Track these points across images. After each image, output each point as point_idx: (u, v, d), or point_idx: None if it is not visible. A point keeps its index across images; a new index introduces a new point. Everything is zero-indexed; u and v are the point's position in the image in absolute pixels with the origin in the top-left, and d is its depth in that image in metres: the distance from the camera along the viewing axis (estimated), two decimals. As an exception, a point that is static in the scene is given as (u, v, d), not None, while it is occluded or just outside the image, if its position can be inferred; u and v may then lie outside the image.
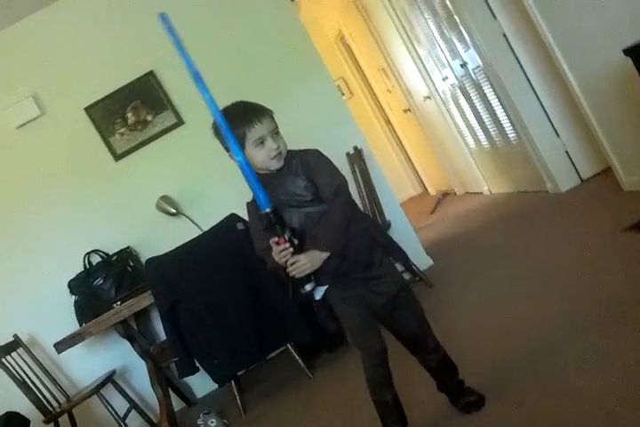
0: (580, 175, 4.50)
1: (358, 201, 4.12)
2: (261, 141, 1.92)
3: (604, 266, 2.79)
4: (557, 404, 1.92)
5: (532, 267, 3.28)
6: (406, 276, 4.00)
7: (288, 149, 2.00)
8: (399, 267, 2.34)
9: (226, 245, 3.35)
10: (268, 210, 1.84)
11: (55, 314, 4.08)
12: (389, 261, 2.14)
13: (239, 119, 1.92)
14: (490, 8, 4.42)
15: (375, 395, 2.11)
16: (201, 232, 3.73)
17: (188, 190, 4.25)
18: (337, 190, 1.96)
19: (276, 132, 1.96)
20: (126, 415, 3.77)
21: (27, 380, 3.63)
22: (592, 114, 3.71)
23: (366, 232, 2.07)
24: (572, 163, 4.50)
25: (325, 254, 1.90)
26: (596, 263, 2.86)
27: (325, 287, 2.01)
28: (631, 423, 1.66)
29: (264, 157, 1.93)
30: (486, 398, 2.15)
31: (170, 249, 3.43)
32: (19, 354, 3.81)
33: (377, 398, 2.11)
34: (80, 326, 3.87)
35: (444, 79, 5.67)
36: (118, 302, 3.66)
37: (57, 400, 3.81)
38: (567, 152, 4.50)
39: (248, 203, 2.04)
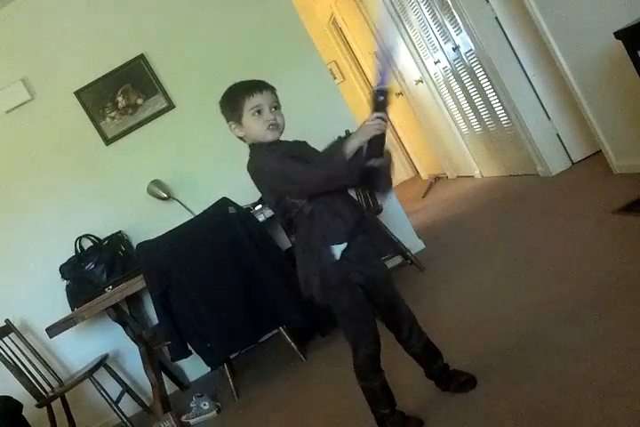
0: (570, 158, 4.51)
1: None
2: (258, 110, 1.97)
3: (594, 249, 2.80)
4: (546, 386, 1.94)
5: (523, 250, 3.29)
6: (398, 259, 4.03)
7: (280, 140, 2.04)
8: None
9: (217, 229, 3.34)
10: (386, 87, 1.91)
11: (47, 299, 4.08)
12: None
13: (241, 89, 2.02)
14: (482, -9, 4.40)
15: (364, 381, 2.10)
16: (192, 216, 3.73)
17: (180, 174, 4.23)
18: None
19: (275, 107, 2.01)
20: (119, 399, 3.78)
21: (19, 365, 3.64)
22: (583, 97, 3.72)
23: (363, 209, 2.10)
24: (563, 146, 4.51)
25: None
26: (586, 246, 2.87)
27: (344, 246, 1.96)
28: (619, 405, 1.68)
29: (260, 126, 1.98)
30: (476, 379, 2.17)
31: (161, 233, 3.42)
32: (11, 339, 3.81)
33: (365, 385, 2.11)
34: (72, 310, 3.87)
35: (435, 63, 5.65)
36: (110, 287, 3.66)
37: (49, 385, 3.82)
38: (558, 135, 4.51)
39: (253, 144, 2.04)
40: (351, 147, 1.85)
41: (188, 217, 3.71)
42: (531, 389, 1.97)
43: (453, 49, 5.03)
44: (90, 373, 3.62)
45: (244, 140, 2.07)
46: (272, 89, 2.04)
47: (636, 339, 1.92)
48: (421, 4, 5.24)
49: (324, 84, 4.28)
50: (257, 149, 2.02)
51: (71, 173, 4.23)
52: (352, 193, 2.14)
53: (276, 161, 1.94)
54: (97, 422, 4.14)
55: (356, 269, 2.00)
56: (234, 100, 2.01)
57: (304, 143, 2.10)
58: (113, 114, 4.24)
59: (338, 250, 1.96)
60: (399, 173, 8.52)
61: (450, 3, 4.63)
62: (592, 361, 1.94)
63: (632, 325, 2.02)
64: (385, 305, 2.13)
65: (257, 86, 2.00)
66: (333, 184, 1.91)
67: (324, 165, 1.92)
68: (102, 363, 3.82)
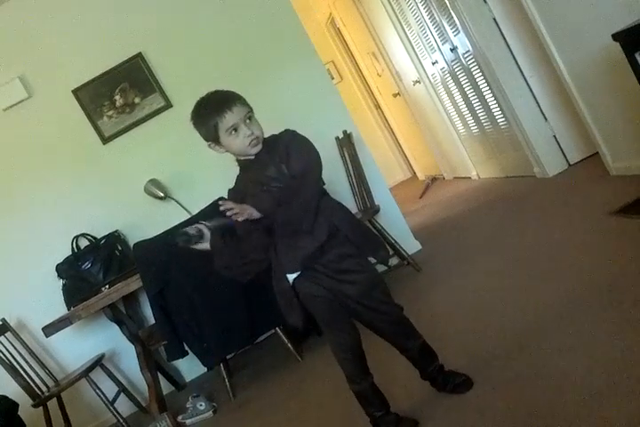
0: (567, 160, 4.52)
1: (347, 185, 4.13)
2: (234, 129, 1.92)
3: (591, 250, 2.81)
4: (543, 387, 1.94)
5: (520, 251, 3.29)
6: (395, 260, 4.03)
7: (267, 134, 2.01)
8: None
9: (214, 228, 3.33)
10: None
11: (43, 298, 4.08)
12: (363, 257, 2.09)
13: (209, 111, 1.94)
14: (480, -8, 4.40)
15: (353, 385, 2.11)
16: (189, 216, 3.72)
17: (177, 174, 4.23)
18: (304, 171, 1.93)
19: (249, 117, 1.95)
20: (115, 399, 3.78)
21: (15, 364, 3.63)
22: (580, 99, 3.72)
23: (335, 224, 2.00)
24: (560, 147, 4.52)
25: (259, 214, 1.87)
26: (583, 247, 2.88)
27: (295, 275, 2.01)
28: (615, 405, 1.68)
29: (240, 144, 1.94)
30: (472, 380, 2.17)
31: (158, 233, 3.42)
32: (7, 338, 3.80)
33: (355, 388, 2.12)
34: (68, 309, 3.86)
35: (433, 63, 5.65)
36: (107, 286, 3.65)
37: (45, 384, 3.81)
38: (555, 137, 4.52)
39: (230, 190, 2.03)
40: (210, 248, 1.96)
41: (185, 216, 3.71)
42: (527, 389, 1.98)
43: (451, 50, 5.04)
44: (86, 372, 3.61)
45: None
46: (240, 100, 1.95)
47: (633, 339, 1.92)
48: (419, 5, 5.25)
49: (321, 84, 4.27)
50: (229, 192, 2.03)
51: (68, 171, 4.22)
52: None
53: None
54: (93, 422, 4.13)
55: (315, 286, 2.01)
56: (206, 123, 1.94)
57: (267, 159, 1.98)
58: (110, 113, 4.23)
59: (290, 278, 2.02)
60: (397, 174, 8.55)
61: (448, 3, 4.64)
62: (589, 362, 1.95)
63: (629, 325, 2.02)
64: (365, 320, 2.11)
65: (225, 104, 1.91)
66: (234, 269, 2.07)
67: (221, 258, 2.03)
68: (98, 362, 3.81)
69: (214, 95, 1.98)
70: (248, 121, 1.94)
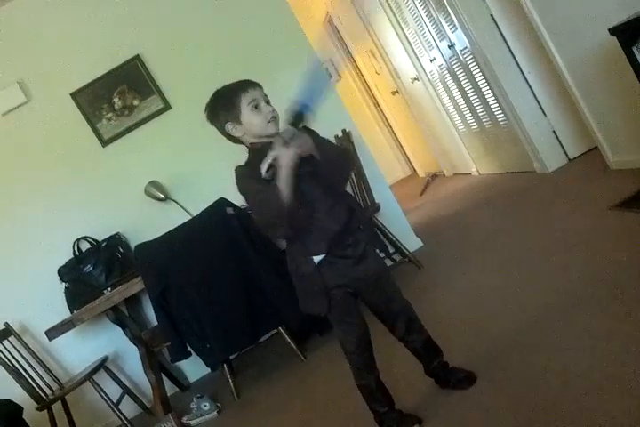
0: (567, 155, 4.51)
1: (347, 184, 4.13)
2: (256, 105, 1.95)
3: (592, 245, 2.80)
4: (545, 383, 1.94)
5: (521, 247, 3.29)
6: (396, 257, 4.03)
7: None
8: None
9: (215, 229, 3.34)
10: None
11: (46, 301, 4.08)
12: (372, 246, 2.14)
13: (231, 89, 2.00)
14: (477, -12, 4.40)
15: (359, 380, 2.13)
16: (190, 217, 3.72)
17: (177, 175, 4.23)
18: (342, 149, 2.03)
19: (267, 102, 2.00)
20: (119, 401, 3.78)
21: (19, 368, 3.63)
22: (579, 93, 3.72)
23: (354, 212, 2.05)
24: (560, 142, 4.52)
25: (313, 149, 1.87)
26: (584, 242, 2.87)
27: (320, 258, 1.98)
28: (617, 400, 1.68)
29: (261, 120, 1.95)
30: (475, 376, 2.17)
31: (159, 235, 3.42)
32: (10, 342, 3.81)
33: (361, 384, 2.13)
34: (71, 313, 3.87)
35: (431, 60, 5.65)
36: (109, 289, 3.66)
37: (50, 388, 3.82)
38: (554, 132, 4.51)
39: (239, 167, 2.01)
40: (283, 183, 1.82)
41: (185, 218, 3.71)
42: (530, 385, 1.98)
43: (449, 47, 5.03)
44: (90, 375, 3.62)
45: (242, 142, 2.03)
46: (259, 86, 2.02)
47: (635, 335, 1.92)
48: (416, 2, 5.24)
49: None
50: (243, 168, 1.99)
51: (68, 174, 4.22)
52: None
53: (250, 195, 1.96)
54: (98, 425, 4.13)
55: (336, 274, 2.00)
56: (228, 99, 1.98)
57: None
58: (109, 115, 4.24)
59: (316, 260, 1.99)
60: (397, 172, 8.55)
61: (445, 0, 4.63)
62: (591, 358, 1.94)
63: (631, 321, 2.02)
64: (376, 304, 2.13)
65: (246, 84, 1.99)
66: (281, 222, 1.89)
67: (261, 216, 1.96)
68: (102, 365, 3.82)
69: (234, 81, 2.05)
70: (267, 104, 1.99)
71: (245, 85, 1.98)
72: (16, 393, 3.61)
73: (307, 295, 2.06)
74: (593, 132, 3.77)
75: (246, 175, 1.95)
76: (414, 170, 8.37)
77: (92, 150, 4.24)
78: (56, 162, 4.21)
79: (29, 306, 4.11)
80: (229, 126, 1.99)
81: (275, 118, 1.97)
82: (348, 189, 4.07)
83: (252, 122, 1.96)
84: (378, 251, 2.26)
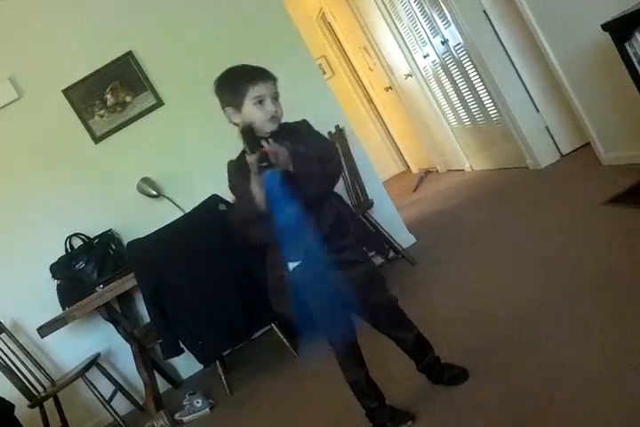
0: (559, 151, 4.52)
1: (340, 180, 4.11)
2: (260, 101, 1.93)
3: (584, 240, 2.81)
4: (539, 378, 1.94)
5: (514, 243, 3.30)
6: (389, 253, 4.03)
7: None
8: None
9: (208, 226, 3.33)
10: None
11: (38, 299, 4.06)
12: (361, 249, 2.13)
13: (244, 76, 1.97)
14: (470, -16, 4.39)
15: (348, 377, 2.12)
16: (183, 214, 3.72)
17: (169, 172, 4.22)
18: (331, 153, 2.02)
19: (275, 98, 1.97)
20: (112, 398, 3.78)
21: (11, 365, 3.62)
22: (572, 89, 3.72)
23: (340, 215, 2.03)
24: (552, 138, 4.52)
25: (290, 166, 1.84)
26: (576, 237, 2.88)
27: (296, 264, 1.97)
28: (611, 392, 1.69)
29: (261, 116, 1.93)
30: (469, 372, 2.17)
31: (151, 231, 3.41)
32: (2, 339, 3.79)
33: (350, 380, 2.13)
34: (63, 310, 3.85)
35: (425, 57, 5.65)
36: (101, 286, 3.65)
37: (42, 385, 3.80)
38: (547, 128, 4.52)
39: (230, 161, 2.01)
40: (256, 188, 1.83)
41: (178, 214, 3.70)
42: (523, 381, 1.98)
43: (442, 43, 5.03)
44: (82, 372, 3.61)
45: (237, 126, 2.00)
46: (274, 79, 1.99)
47: (626, 328, 1.92)
48: (409, -2, 5.24)
49: (313, 79, 4.27)
50: (234, 163, 1.99)
51: (60, 171, 4.20)
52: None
53: (235, 190, 1.97)
54: (90, 422, 4.12)
55: (314, 279, 1.98)
56: (236, 85, 1.95)
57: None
58: (102, 112, 4.22)
59: (291, 266, 1.98)
60: (390, 168, 8.54)
61: (438, -4, 4.63)
62: (584, 352, 1.95)
63: (623, 314, 2.02)
64: (362, 307, 2.10)
65: (261, 76, 1.95)
66: (248, 227, 1.96)
67: (236, 211, 2.01)
68: (94, 362, 3.81)
69: (251, 66, 2.03)
70: (275, 100, 1.96)
71: (257, 77, 1.94)
72: (8, 391, 3.59)
73: (274, 295, 2.10)
74: (585, 128, 3.78)
75: (233, 171, 1.96)
76: (408, 166, 8.37)
77: (85, 147, 4.22)
78: (48, 159, 4.19)
79: (21, 303, 4.09)
80: (230, 111, 1.97)
81: (275, 118, 1.94)
82: (342, 185, 4.07)
83: (251, 116, 1.94)
84: (373, 253, 2.24)
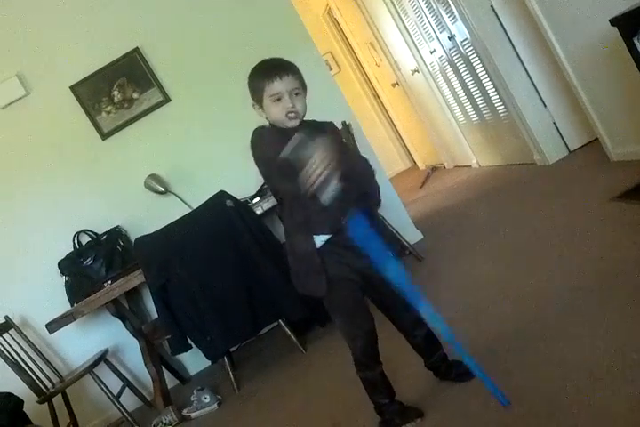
0: (567, 147, 4.50)
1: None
2: (278, 98, 1.93)
3: (592, 237, 2.80)
4: (545, 374, 1.94)
5: (522, 239, 3.29)
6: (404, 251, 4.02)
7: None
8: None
9: (215, 222, 3.34)
10: None
11: (46, 295, 4.08)
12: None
13: (261, 73, 1.97)
14: (477, -21, 4.38)
15: (362, 372, 2.12)
16: (190, 210, 3.72)
17: (177, 168, 4.22)
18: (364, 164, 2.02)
19: (296, 93, 1.95)
20: (120, 394, 3.78)
21: (19, 361, 3.63)
22: (579, 85, 3.70)
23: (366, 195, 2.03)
24: (560, 134, 4.50)
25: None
26: (584, 234, 2.87)
27: (322, 239, 1.95)
28: (617, 390, 1.68)
29: (278, 112, 1.93)
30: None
31: (159, 228, 3.42)
32: (11, 335, 3.80)
33: (364, 375, 2.12)
34: (71, 306, 3.87)
35: (431, 52, 5.63)
36: (109, 282, 3.66)
37: (50, 381, 3.81)
38: (555, 124, 4.50)
39: (260, 127, 1.99)
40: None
41: (185, 211, 3.70)
42: (530, 377, 1.98)
43: (449, 38, 5.01)
44: (90, 368, 3.62)
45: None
46: (294, 73, 1.97)
47: (634, 325, 1.92)
48: (416, -6, 5.22)
49: (319, 74, 4.26)
50: (262, 136, 1.96)
51: (68, 168, 4.21)
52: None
53: (263, 165, 1.90)
54: (98, 418, 4.14)
55: (339, 265, 1.98)
56: (255, 83, 1.97)
57: (319, 134, 1.82)
58: (109, 108, 4.22)
59: (318, 240, 1.96)
60: (397, 164, 8.53)
61: (445, -9, 4.62)
62: (591, 349, 1.94)
63: (630, 311, 2.02)
64: (381, 298, 2.12)
65: (278, 71, 1.94)
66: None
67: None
68: (102, 358, 3.82)
69: (274, 60, 2.03)
70: (294, 95, 1.95)
71: (274, 74, 1.92)
72: (17, 386, 3.60)
73: (306, 276, 2.01)
74: (593, 124, 3.76)
75: (266, 137, 1.93)
76: (414, 162, 8.35)
77: (92, 143, 4.23)
78: (55, 155, 4.20)
79: (30, 299, 4.11)
80: (255, 106, 2.00)
81: (295, 114, 1.93)
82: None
83: (270, 112, 1.96)
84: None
